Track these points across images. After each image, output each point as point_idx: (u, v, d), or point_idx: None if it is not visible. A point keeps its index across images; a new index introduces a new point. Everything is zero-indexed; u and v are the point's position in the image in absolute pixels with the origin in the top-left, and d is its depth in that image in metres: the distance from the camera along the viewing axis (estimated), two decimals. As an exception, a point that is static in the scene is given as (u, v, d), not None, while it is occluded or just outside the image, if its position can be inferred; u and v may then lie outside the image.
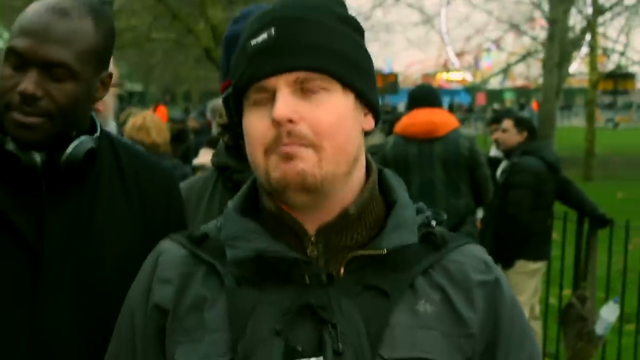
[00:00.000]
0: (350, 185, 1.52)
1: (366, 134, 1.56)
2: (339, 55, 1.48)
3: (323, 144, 1.44)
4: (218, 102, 5.30)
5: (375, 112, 1.57)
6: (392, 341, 1.46)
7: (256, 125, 1.46)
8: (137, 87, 49.77)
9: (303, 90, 1.44)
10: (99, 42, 2.00)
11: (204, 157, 5.11)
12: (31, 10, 1.96)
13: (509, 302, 1.58)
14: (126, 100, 22.19)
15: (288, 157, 1.43)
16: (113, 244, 2.07)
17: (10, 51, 1.93)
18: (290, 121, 1.42)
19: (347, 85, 1.48)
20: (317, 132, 1.43)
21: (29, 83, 1.91)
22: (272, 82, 1.44)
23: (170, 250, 1.60)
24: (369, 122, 1.56)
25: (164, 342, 1.53)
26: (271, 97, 1.45)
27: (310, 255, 1.49)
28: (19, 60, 1.93)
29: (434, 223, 1.60)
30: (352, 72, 1.49)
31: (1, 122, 2.01)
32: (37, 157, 1.97)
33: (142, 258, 2.04)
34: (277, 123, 1.42)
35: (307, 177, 1.43)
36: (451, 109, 46.07)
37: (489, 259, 1.62)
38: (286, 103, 1.42)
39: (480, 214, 7.28)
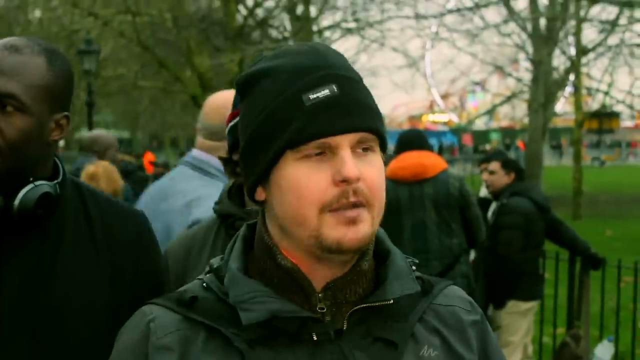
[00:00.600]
0: None
1: None
2: (380, 115, 1.51)
3: (374, 203, 1.45)
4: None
5: None
6: None
7: (315, 179, 1.43)
8: (125, 134, 49.85)
9: (357, 151, 1.45)
10: (50, 80, 1.97)
11: None
12: None
13: (492, 335, 1.65)
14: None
15: (352, 222, 1.43)
16: (78, 292, 2.00)
17: None
18: (357, 180, 1.43)
19: (384, 144, 1.51)
20: (371, 192, 1.44)
21: None
22: (336, 140, 1.43)
23: (161, 316, 1.52)
24: None
25: None
26: (327, 154, 1.44)
27: (319, 311, 1.48)
28: None
29: (414, 267, 1.61)
30: (384, 130, 1.53)
31: None
32: None
33: (110, 306, 2.02)
34: (343, 182, 1.41)
35: (367, 240, 1.45)
36: (440, 150, 46.22)
37: (470, 298, 1.66)
38: (353, 162, 1.42)
39: (472, 255, 7.29)
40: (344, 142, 1.43)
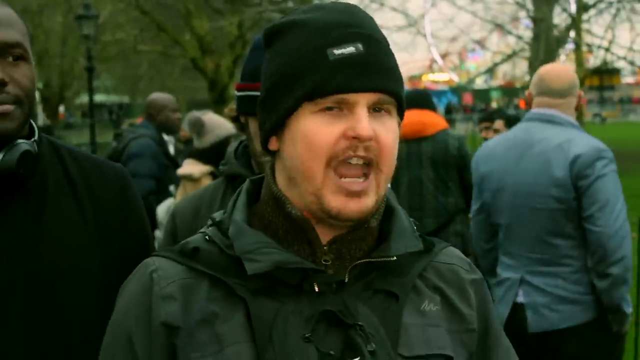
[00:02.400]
0: None
1: None
2: (401, 80, 1.52)
3: (382, 167, 1.46)
4: (194, 115, 5.38)
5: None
6: (407, 340, 1.50)
7: (325, 132, 1.44)
8: (125, 99, 49.71)
9: (373, 111, 1.46)
10: (26, 28, 1.99)
11: (188, 167, 5.19)
12: None
13: (489, 297, 1.69)
14: (115, 112, 22.13)
15: (354, 194, 1.44)
16: (66, 249, 1.99)
17: None
18: (370, 139, 1.44)
19: (401, 110, 1.52)
20: (382, 153, 1.46)
21: None
22: (354, 97, 1.44)
23: (165, 266, 1.53)
24: None
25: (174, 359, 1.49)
26: (344, 110, 1.45)
27: (324, 264, 1.50)
28: None
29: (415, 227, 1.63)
30: (403, 93, 1.53)
31: None
32: None
33: (99, 265, 2.02)
34: (355, 138, 1.42)
35: (369, 211, 1.47)
36: (449, 110, 45.79)
37: (468, 259, 1.70)
38: (368, 121, 1.44)
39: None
40: (362, 100, 1.44)
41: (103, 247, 2.05)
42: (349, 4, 1.55)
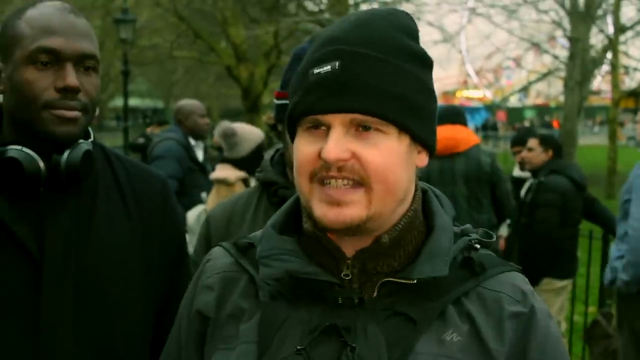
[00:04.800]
0: (392, 217, 1.51)
1: None
2: (399, 98, 1.44)
3: (373, 186, 1.43)
4: (226, 125, 5.47)
5: (431, 148, 1.55)
6: None
7: (305, 151, 1.46)
8: (159, 103, 50.03)
9: (358, 130, 1.43)
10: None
11: (223, 171, 5.32)
12: (44, 12, 2.01)
13: (542, 332, 1.53)
14: (148, 117, 22.27)
15: (334, 203, 1.43)
16: (112, 250, 2.08)
17: (41, 51, 1.96)
18: (342, 160, 1.41)
19: (403, 129, 1.46)
20: (367, 172, 1.42)
21: (72, 77, 1.97)
22: (328, 118, 1.43)
23: (217, 256, 1.64)
24: (423, 160, 1.54)
25: (203, 348, 1.56)
26: (326, 129, 1.44)
27: (344, 278, 1.49)
28: (51, 58, 1.97)
29: (477, 246, 1.58)
30: (411, 116, 1.46)
31: None
32: (41, 163, 2.00)
33: (141, 265, 2.13)
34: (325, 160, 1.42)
35: (354, 222, 1.44)
36: (485, 127, 45.50)
37: (529, 289, 1.58)
38: (337, 143, 1.41)
39: (504, 231, 7.26)
40: (335, 121, 1.42)
41: (145, 248, 2.16)
42: (363, 13, 1.52)
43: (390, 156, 1.44)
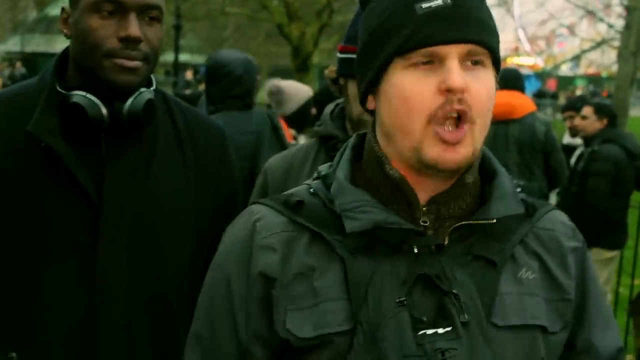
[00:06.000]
0: None
1: None
2: (495, 32, 1.50)
3: (477, 120, 1.45)
4: (274, 84, 5.42)
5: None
6: (503, 309, 1.49)
7: (419, 90, 1.44)
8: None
9: (466, 63, 1.45)
10: None
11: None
12: None
13: (591, 264, 1.66)
14: (198, 72, 22.34)
15: (451, 143, 1.43)
16: (168, 197, 2.13)
17: (106, 0, 1.99)
18: (465, 90, 1.43)
19: (496, 62, 1.50)
20: (475, 105, 1.44)
21: (134, 27, 2.00)
22: (445, 49, 1.43)
23: (268, 216, 1.56)
24: None
25: (270, 310, 1.51)
26: (436, 64, 1.44)
27: (422, 224, 1.50)
28: (115, 7, 2.00)
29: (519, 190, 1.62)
30: (499, 49, 1.51)
31: (61, 75, 2.10)
32: (104, 110, 2.04)
33: (194, 213, 2.17)
34: (448, 91, 1.42)
35: (467, 160, 1.46)
36: (540, 94, 45.00)
37: (573, 224, 1.67)
38: (460, 73, 1.42)
39: (553, 200, 7.22)
40: (452, 52, 1.43)
41: (199, 196, 2.19)
42: None
43: (491, 90, 1.48)
